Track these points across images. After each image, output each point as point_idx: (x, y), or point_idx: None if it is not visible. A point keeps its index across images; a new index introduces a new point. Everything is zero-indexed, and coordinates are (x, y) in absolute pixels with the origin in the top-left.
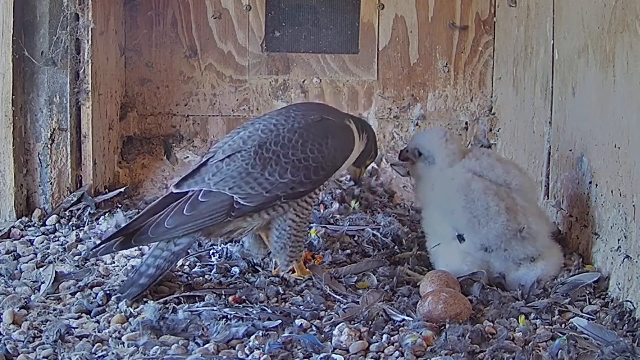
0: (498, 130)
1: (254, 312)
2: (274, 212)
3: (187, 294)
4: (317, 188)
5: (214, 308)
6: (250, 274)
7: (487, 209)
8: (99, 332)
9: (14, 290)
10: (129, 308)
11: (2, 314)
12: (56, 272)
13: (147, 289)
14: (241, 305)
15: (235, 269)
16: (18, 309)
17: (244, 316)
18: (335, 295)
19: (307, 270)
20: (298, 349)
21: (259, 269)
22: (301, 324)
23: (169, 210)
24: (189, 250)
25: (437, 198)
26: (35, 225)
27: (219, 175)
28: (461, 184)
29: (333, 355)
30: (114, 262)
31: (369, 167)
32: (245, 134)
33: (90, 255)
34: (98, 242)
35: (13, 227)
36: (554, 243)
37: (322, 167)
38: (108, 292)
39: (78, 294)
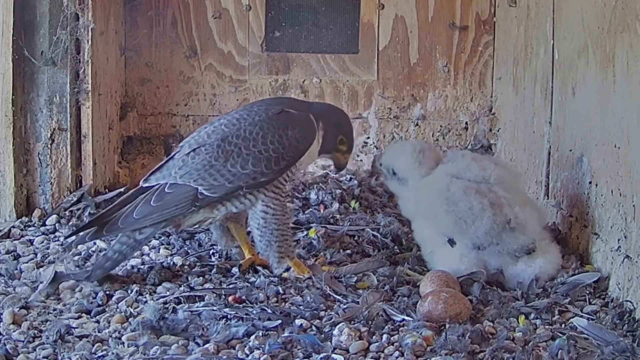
0: (498, 130)
1: (254, 312)
2: (240, 204)
3: (187, 294)
4: (282, 178)
5: (214, 308)
6: (250, 274)
7: (470, 208)
8: (99, 332)
9: (14, 290)
10: (129, 308)
11: (2, 314)
12: (56, 272)
13: (109, 272)
14: (241, 305)
15: (236, 269)
16: (18, 309)
17: (244, 316)
18: (335, 295)
19: (307, 269)
20: (298, 349)
21: (259, 268)
22: (301, 324)
23: (137, 202)
24: (189, 251)
25: (420, 207)
26: (35, 225)
27: (185, 169)
28: (441, 189)
29: (333, 355)
30: None
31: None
32: (210, 128)
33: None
34: (72, 232)
35: (13, 227)
36: (549, 235)
37: (282, 157)
38: (108, 292)
39: (78, 294)
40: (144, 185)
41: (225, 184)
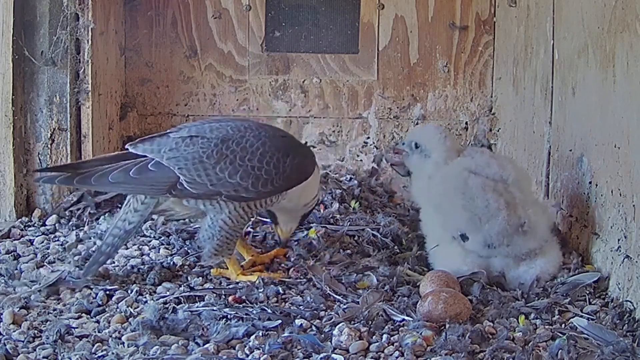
0: (498, 130)
1: (254, 312)
2: (210, 206)
3: (187, 294)
4: (262, 200)
5: (214, 308)
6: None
7: (487, 206)
8: (99, 332)
9: (14, 290)
10: (129, 308)
11: (2, 314)
12: (58, 277)
13: (102, 265)
14: (241, 305)
15: None
16: (18, 309)
17: (244, 316)
18: (335, 295)
19: (240, 270)
20: (298, 349)
21: None
22: (301, 324)
23: (117, 165)
24: (189, 251)
25: (434, 199)
26: (35, 225)
27: (174, 152)
28: (458, 183)
29: (333, 355)
30: (114, 262)
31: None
32: (215, 125)
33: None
34: (44, 168)
35: (13, 227)
36: (553, 237)
37: (271, 182)
38: (108, 292)
39: (78, 294)
40: (130, 150)
41: (207, 185)
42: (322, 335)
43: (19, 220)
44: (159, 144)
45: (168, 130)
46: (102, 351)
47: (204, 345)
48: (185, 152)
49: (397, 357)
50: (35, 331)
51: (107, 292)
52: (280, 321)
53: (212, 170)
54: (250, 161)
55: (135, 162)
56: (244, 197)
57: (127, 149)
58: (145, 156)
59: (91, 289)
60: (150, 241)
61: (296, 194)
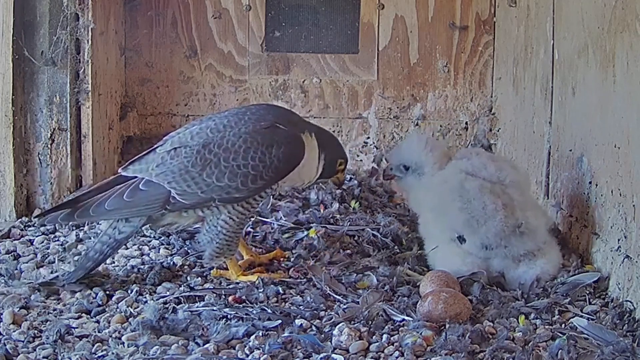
0: (498, 130)
1: (254, 312)
2: (208, 211)
3: (187, 294)
4: (257, 195)
5: (214, 308)
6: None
7: (483, 207)
8: (99, 332)
9: (14, 290)
10: (129, 308)
11: (2, 314)
12: (57, 276)
13: (90, 272)
14: (241, 305)
15: None
16: (18, 309)
17: (244, 316)
18: (335, 295)
19: (241, 271)
20: (298, 349)
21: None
22: (301, 324)
23: (111, 192)
24: (189, 250)
25: (432, 202)
26: (35, 225)
27: (161, 167)
28: (455, 185)
29: (333, 355)
30: (114, 262)
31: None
32: (196, 129)
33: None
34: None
35: (13, 227)
36: (553, 238)
37: (261, 176)
38: (108, 292)
39: (78, 294)
40: (122, 174)
41: (198, 193)
42: (322, 335)
43: (19, 220)
44: (147, 161)
45: (155, 145)
46: (102, 351)
47: (204, 345)
48: (171, 165)
49: (397, 357)
50: (35, 331)
51: (107, 292)
52: (280, 321)
53: (199, 178)
54: (234, 160)
55: (128, 185)
56: (237, 197)
57: (120, 174)
58: (136, 177)
59: (91, 288)
60: (150, 241)
61: (294, 177)
